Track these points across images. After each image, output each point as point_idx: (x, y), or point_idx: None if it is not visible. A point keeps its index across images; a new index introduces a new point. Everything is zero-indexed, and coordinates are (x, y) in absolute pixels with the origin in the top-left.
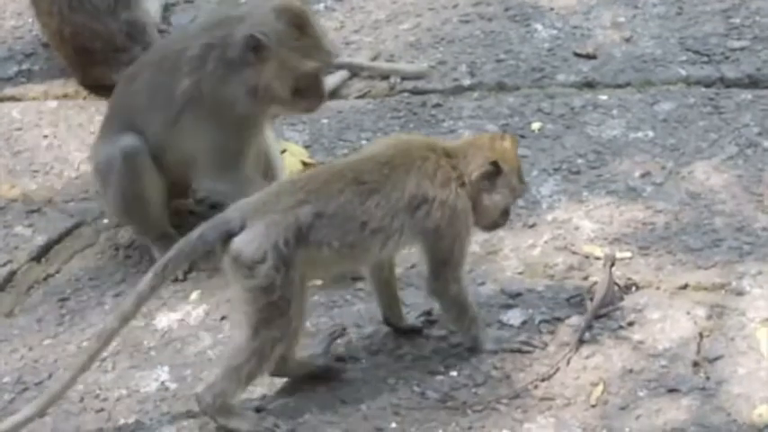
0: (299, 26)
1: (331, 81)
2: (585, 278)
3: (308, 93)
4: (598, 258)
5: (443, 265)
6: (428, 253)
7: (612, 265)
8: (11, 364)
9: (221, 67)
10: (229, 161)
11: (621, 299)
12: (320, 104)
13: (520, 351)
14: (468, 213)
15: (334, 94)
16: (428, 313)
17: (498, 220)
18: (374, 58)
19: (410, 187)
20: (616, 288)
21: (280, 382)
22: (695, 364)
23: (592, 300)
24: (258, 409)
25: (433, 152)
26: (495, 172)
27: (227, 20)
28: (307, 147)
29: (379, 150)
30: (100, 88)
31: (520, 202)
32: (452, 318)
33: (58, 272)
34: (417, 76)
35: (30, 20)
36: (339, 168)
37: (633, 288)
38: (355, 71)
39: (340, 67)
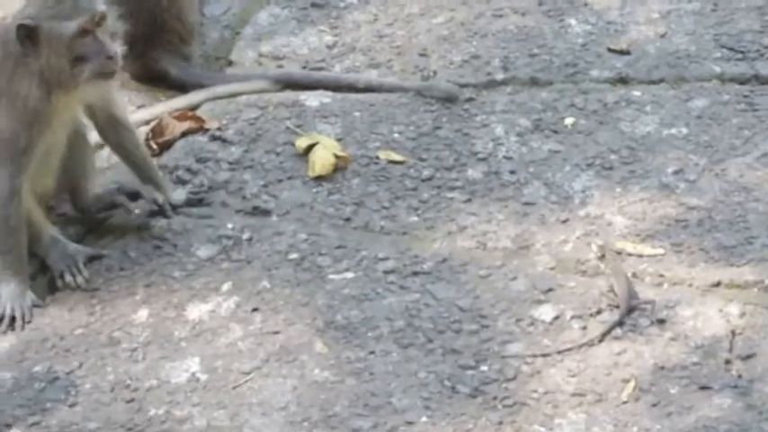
0: None
1: (246, 86)
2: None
3: (89, 56)
4: (630, 255)
5: None
6: None
7: (619, 254)
8: (42, 353)
9: (10, 61)
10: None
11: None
12: (110, 64)
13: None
14: None
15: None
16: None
17: None
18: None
19: None
20: (631, 278)
21: (310, 372)
22: (727, 362)
23: (616, 295)
24: None
25: None
26: None
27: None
28: (339, 140)
29: None
30: None
31: (552, 197)
32: None
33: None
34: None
35: None
36: None
37: (665, 285)
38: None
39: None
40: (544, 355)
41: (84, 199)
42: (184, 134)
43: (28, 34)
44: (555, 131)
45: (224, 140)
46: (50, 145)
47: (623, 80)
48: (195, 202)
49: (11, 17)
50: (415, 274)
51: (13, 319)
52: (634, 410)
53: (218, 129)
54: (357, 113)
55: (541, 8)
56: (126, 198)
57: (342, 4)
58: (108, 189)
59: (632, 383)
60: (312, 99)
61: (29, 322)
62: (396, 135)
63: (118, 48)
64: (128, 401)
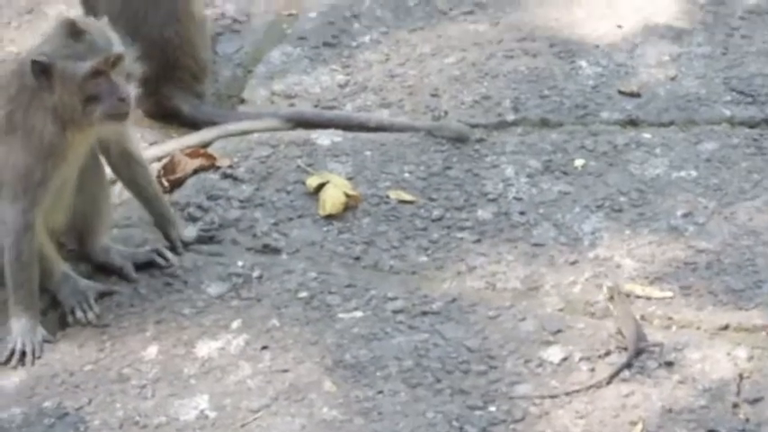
0: (74, 33)
1: (257, 124)
2: None
3: (102, 97)
4: (639, 297)
5: None
6: None
7: (627, 296)
8: (52, 389)
9: (26, 95)
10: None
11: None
12: (122, 105)
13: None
14: None
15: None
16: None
17: None
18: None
19: None
20: (639, 320)
21: (319, 411)
22: (735, 406)
23: (624, 337)
24: None
25: None
26: None
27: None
28: (350, 178)
29: None
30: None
31: (561, 238)
32: None
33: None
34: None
35: None
36: None
37: (673, 327)
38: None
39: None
40: (552, 397)
41: (93, 243)
42: (196, 171)
43: (42, 70)
44: (565, 173)
45: (235, 178)
46: (63, 179)
47: (633, 122)
48: (206, 239)
49: (25, 52)
50: (424, 314)
51: (23, 354)
52: None
53: (230, 166)
54: (368, 153)
55: (552, 50)
56: (133, 268)
57: (354, 44)
58: (120, 251)
59: (640, 426)
60: (323, 138)
61: (39, 358)
62: (406, 175)
63: (132, 89)
64: None
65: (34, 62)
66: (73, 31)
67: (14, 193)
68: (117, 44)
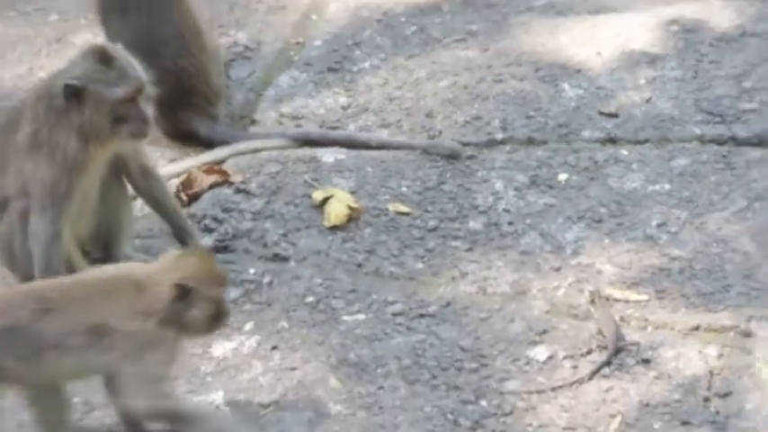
0: (104, 60)
1: (267, 143)
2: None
3: (129, 119)
4: (618, 300)
5: (145, 384)
6: (122, 377)
7: (607, 300)
8: (78, 385)
9: (52, 115)
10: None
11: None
12: (145, 127)
13: None
14: (161, 342)
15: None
16: None
17: (213, 326)
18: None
19: (92, 315)
20: (618, 321)
21: (325, 406)
22: (706, 400)
23: (604, 337)
24: None
25: (126, 285)
26: (183, 293)
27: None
28: (352, 192)
29: (84, 276)
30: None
31: (547, 246)
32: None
33: None
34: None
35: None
36: (30, 288)
37: (649, 328)
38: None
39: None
40: (539, 392)
41: (116, 252)
42: (211, 186)
43: (74, 93)
44: (549, 186)
45: (247, 192)
46: (86, 190)
47: (612, 140)
48: (221, 248)
49: (52, 76)
50: (421, 316)
51: None
52: None
53: (242, 182)
54: (369, 169)
55: (538, 74)
56: None
57: (355, 69)
58: (142, 260)
59: (619, 419)
60: (328, 155)
61: None
62: (404, 189)
63: (151, 111)
64: None
65: (67, 85)
66: (104, 57)
67: (42, 205)
68: (142, 72)
